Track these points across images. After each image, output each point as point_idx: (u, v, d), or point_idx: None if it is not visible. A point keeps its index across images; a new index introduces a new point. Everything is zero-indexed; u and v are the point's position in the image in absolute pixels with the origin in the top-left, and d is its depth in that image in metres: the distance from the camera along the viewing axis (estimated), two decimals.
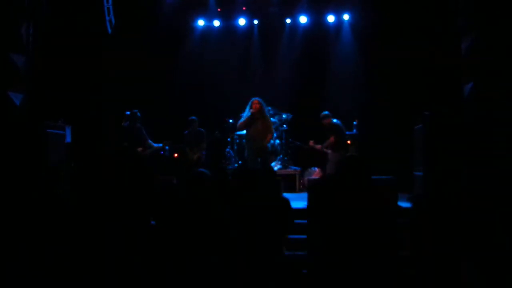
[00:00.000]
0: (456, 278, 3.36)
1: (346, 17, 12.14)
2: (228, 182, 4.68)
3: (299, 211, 6.51)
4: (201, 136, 10.43)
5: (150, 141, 9.77)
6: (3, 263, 3.61)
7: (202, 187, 4.10)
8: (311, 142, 9.34)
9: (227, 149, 11.04)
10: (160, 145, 9.97)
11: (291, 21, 12.42)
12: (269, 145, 9.09)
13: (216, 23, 12.53)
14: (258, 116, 8.39)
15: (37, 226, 3.93)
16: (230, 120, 10.92)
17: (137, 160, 4.64)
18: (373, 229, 3.62)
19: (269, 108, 9.62)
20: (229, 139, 11.04)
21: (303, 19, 12.23)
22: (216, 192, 4.25)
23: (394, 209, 3.91)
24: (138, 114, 9.70)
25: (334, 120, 9.25)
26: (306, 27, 12.33)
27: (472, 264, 3.33)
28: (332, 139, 8.95)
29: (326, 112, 9.29)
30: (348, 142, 9.40)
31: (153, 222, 4.11)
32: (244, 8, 12.34)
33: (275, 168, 10.37)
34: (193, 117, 10.51)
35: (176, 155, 10.50)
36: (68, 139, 8.38)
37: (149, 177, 4.49)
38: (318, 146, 9.21)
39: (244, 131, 8.90)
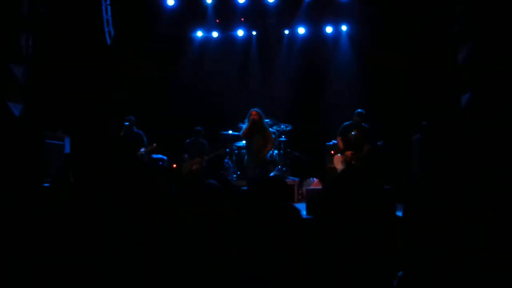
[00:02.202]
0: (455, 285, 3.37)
1: (344, 28, 12.20)
2: (231, 192, 4.70)
3: None
4: (203, 148, 10.45)
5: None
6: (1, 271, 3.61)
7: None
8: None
9: (226, 160, 11.06)
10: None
11: (289, 32, 12.47)
12: (268, 155, 9.12)
13: (215, 34, 12.58)
14: (257, 126, 8.44)
15: (36, 237, 3.93)
16: (229, 132, 10.95)
17: (141, 166, 4.65)
18: (372, 239, 3.63)
19: (267, 120, 9.66)
20: (227, 149, 11.05)
21: (301, 30, 12.29)
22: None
23: (392, 219, 3.90)
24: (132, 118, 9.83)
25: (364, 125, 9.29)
26: (304, 38, 12.38)
27: (471, 270, 3.34)
28: (367, 149, 8.97)
29: (360, 110, 9.33)
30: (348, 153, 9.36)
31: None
32: (242, 19, 12.39)
33: None
34: (199, 128, 10.54)
35: (174, 165, 10.53)
36: (67, 149, 8.42)
37: (154, 184, 4.49)
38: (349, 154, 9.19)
39: (244, 142, 8.96)
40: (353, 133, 9.26)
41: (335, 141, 10.04)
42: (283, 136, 10.98)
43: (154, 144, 9.90)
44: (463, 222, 3.66)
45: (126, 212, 3.96)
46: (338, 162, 9.34)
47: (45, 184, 6.67)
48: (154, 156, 9.94)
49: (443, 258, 3.42)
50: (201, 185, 4.55)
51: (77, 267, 3.72)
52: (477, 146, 5.63)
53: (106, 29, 10.69)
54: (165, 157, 10.19)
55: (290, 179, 10.55)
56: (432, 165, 6.38)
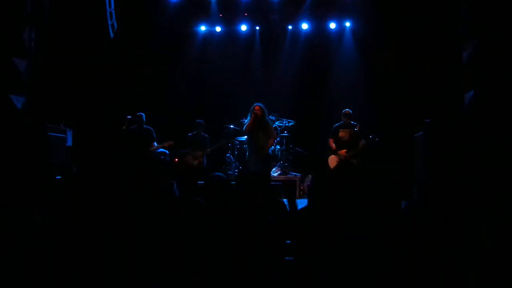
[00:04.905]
0: (456, 283, 3.36)
1: (347, 24, 12.16)
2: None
3: None
4: (205, 142, 10.42)
5: (155, 143, 9.82)
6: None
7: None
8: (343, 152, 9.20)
9: (228, 155, 11.04)
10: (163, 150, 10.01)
11: (293, 27, 12.44)
12: (270, 150, 9.10)
13: (218, 28, 12.55)
14: (260, 121, 8.43)
15: (37, 229, 3.93)
16: (231, 126, 10.93)
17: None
18: (378, 241, 3.61)
19: (271, 116, 9.62)
20: (229, 144, 11.03)
21: (304, 26, 12.25)
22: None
23: (397, 218, 3.88)
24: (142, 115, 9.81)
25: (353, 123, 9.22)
26: (307, 33, 12.35)
27: (472, 269, 3.34)
28: (362, 145, 8.91)
29: (347, 110, 9.26)
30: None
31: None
32: (246, 14, 12.36)
33: (275, 174, 10.36)
34: (200, 120, 10.49)
35: (176, 160, 10.51)
36: (69, 142, 8.42)
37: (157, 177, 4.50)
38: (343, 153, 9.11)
39: (245, 137, 8.94)
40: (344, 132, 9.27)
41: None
42: (285, 132, 10.96)
43: (171, 142, 9.87)
44: (465, 220, 3.66)
45: (129, 205, 3.96)
46: (333, 162, 9.33)
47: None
48: (158, 150, 9.93)
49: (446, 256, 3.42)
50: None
51: (81, 259, 3.72)
52: (480, 144, 5.61)
53: (109, 22, 10.68)
54: (167, 151, 10.16)
55: (292, 175, 10.55)
56: (434, 163, 6.36)
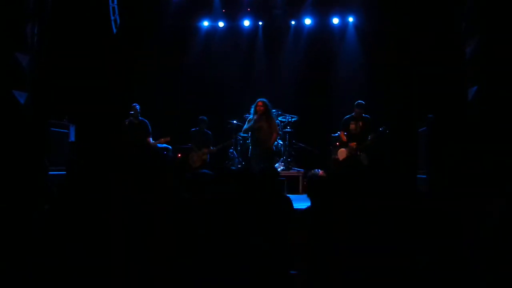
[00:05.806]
0: (458, 278, 3.36)
1: (350, 19, 12.13)
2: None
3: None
4: (208, 138, 10.40)
5: (150, 139, 9.77)
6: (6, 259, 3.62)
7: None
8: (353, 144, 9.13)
9: (230, 150, 11.03)
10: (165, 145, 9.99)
11: (296, 22, 12.41)
12: (273, 146, 9.09)
13: (221, 24, 12.54)
14: (263, 117, 8.42)
15: (39, 226, 3.93)
16: (234, 121, 10.92)
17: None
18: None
19: (274, 110, 9.61)
20: (232, 140, 11.02)
21: (307, 21, 12.23)
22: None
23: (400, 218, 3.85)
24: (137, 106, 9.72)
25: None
26: (310, 29, 12.32)
27: (475, 265, 3.33)
28: (372, 138, 8.86)
29: (360, 101, 9.20)
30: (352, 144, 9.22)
31: None
32: (248, 10, 12.34)
33: (278, 169, 10.34)
34: (204, 117, 10.48)
35: (179, 155, 10.50)
36: (72, 137, 8.41)
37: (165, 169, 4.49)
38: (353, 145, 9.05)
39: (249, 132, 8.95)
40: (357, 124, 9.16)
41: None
42: (288, 127, 10.95)
43: (168, 138, 9.83)
44: (469, 215, 3.65)
45: (131, 203, 3.95)
46: (342, 155, 9.26)
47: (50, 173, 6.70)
48: (159, 145, 9.91)
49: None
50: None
51: (81, 258, 3.72)
52: (483, 139, 5.60)
53: (112, 18, 10.66)
54: (170, 147, 10.15)
55: (295, 170, 10.54)
56: (437, 158, 6.35)
